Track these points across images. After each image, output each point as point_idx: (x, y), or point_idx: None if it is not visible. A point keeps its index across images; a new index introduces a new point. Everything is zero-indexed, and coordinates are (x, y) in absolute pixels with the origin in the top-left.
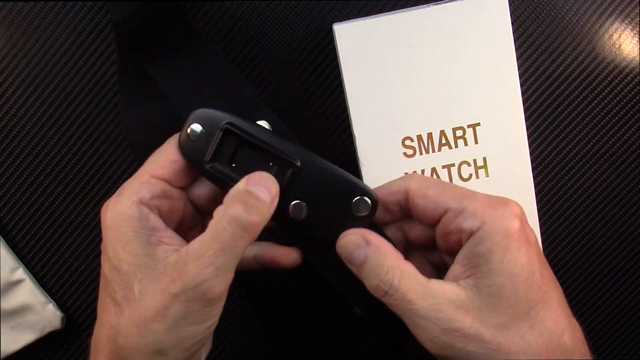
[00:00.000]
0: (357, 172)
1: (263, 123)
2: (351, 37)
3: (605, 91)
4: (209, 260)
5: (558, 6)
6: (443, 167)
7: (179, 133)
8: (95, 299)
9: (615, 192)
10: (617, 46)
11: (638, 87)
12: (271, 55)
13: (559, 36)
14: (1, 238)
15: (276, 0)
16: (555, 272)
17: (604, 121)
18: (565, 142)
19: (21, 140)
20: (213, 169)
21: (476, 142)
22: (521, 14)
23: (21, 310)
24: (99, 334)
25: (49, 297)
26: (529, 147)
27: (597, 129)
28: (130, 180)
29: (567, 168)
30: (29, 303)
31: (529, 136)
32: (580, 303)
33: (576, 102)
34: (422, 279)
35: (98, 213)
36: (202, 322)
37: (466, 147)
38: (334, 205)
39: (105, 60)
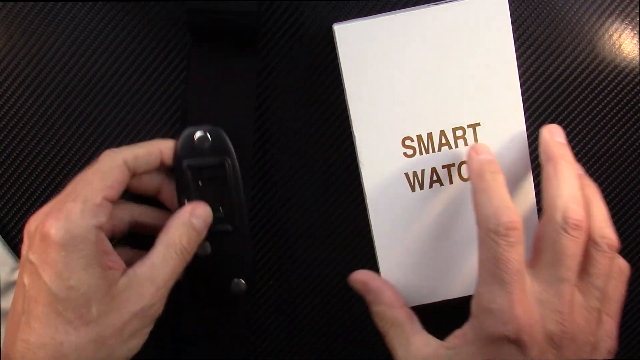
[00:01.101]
0: (357, 172)
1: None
2: (351, 37)
3: (605, 91)
4: (162, 283)
5: (558, 6)
6: (443, 167)
7: (121, 148)
8: None
9: (615, 192)
10: (617, 46)
11: (638, 87)
12: (271, 55)
13: (559, 36)
14: (1, 238)
15: (276, 0)
16: None
17: (604, 121)
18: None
19: (21, 140)
20: (183, 171)
21: (476, 142)
22: (521, 14)
23: None
24: (38, 351)
25: None
26: (529, 147)
27: (597, 129)
28: (80, 198)
29: None
30: None
31: (529, 136)
32: None
33: (576, 102)
34: (408, 330)
35: None
36: (144, 336)
37: (466, 147)
38: (222, 276)
39: (105, 60)
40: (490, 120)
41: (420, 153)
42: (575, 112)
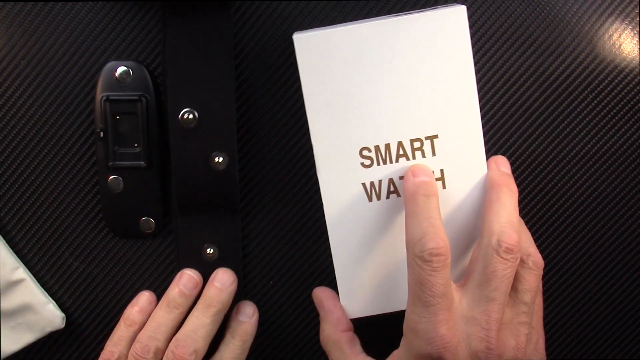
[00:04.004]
0: (315, 182)
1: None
2: (311, 47)
3: (605, 91)
4: None
5: (558, 6)
6: (400, 178)
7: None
8: (96, 299)
9: (614, 192)
10: (617, 46)
11: (638, 87)
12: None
13: (559, 36)
14: (1, 238)
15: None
16: (554, 274)
17: (604, 121)
18: (565, 142)
19: (21, 140)
20: (101, 104)
21: (434, 154)
22: (521, 13)
23: (21, 310)
24: None
25: (49, 297)
26: (528, 149)
27: (597, 129)
28: None
29: (566, 168)
30: (29, 303)
31: (528, 137)
32: (579, 304)
33: (576, 102)
34: (347, 352)
35: (98, 212)
36: None
37: (424, 159)
38: None
39: (105, 61)
40: (447, 132)
41: (378, 164)
42: (575, 112)
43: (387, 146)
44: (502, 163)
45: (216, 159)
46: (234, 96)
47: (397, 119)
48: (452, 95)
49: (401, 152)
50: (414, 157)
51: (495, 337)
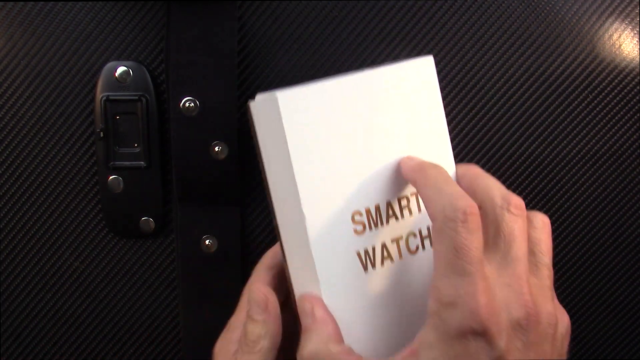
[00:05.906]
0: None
1: None
2: (295, 105)
3: (605, 91)
4: None
5: (558, 6)
6: (392, 241)
7: None
8: (96, 299)
9: (615, 192)
10: (617, 46)
11: (638, 87)
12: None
13: (559, 36)
14: None
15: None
16: (555, 274)
17: (604, 121)
18: (564, 142)
19: (21, 140)
20: (100, 104)
21: (419, 210)
22: (521, 13)
23: None
24: None
25: None
26: (528, 149)
27: (597, 129)
28: None
29: (566, 169)
30: None
31: (528, 137)
32: (580, 304)
33: (576, 102)
34: None
35: (98, 212)
36: None
37: (411, 217)
38: None
39: (105, 61)
40: None
41: (370, 228)
42: (575, 112)
43: (377, 207)
44: None
45: (216, 148)
46: (235, 86)
47: (383, 177)
48: (427, 146)
49: (391, 212)
50: (402, 216)
51: (532, 301)
